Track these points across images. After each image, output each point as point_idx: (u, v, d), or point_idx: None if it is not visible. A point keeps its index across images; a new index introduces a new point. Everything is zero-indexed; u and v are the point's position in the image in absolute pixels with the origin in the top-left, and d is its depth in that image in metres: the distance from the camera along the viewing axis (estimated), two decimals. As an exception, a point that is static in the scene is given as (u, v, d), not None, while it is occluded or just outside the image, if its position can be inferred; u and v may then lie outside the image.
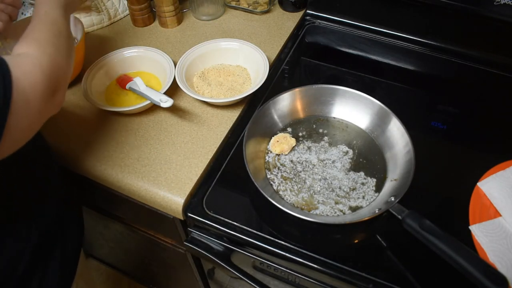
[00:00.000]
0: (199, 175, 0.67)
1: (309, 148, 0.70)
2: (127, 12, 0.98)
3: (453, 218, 0.62)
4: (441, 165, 0.69)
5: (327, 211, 0.61)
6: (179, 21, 0.96)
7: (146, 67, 0.83)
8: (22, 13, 0.92)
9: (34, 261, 0.57)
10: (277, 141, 0.69)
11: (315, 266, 0.57)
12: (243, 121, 0.75)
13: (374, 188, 0.64)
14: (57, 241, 0.62)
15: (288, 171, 0.67)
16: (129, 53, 0.83)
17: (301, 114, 0.75)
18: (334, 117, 0.74)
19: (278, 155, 0.69)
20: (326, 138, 0.71)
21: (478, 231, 0.58)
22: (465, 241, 0.57)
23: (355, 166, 0.67)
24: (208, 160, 0.69)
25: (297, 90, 0.73)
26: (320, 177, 0.66)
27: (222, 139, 0.72)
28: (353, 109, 0.73)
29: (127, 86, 0.77)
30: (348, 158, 0.68)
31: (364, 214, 0.60)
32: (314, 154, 0.69)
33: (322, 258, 0.57)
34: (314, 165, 0.67)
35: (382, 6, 0.91)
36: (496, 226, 0.59)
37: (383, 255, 0.58)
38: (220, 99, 0.74)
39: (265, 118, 0.71)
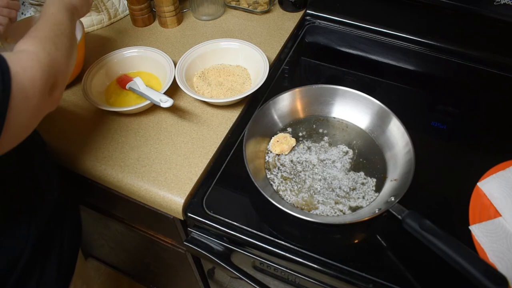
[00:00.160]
0: (199, 175, 0.67)
1: (309, 148, 0.70)
2: (127, 12, 0.98)
3: (453, 218, 0.62)
4: (441, 165, 0.69)
5: (327, 211, 0.61)
6: (179, 21, 0.96)
7: (146, 67, 0.83)
8: (22, 13, 0.92)
9: (32, 260, 0.57)
10: (277, 141, 0.69)
11: (315, 266, 0.57)
12: (243, 121, 0.75)
13: (374, 188, 0.64)
14: (54, 240, 0.62)
15: (288, 171, 0.67)
16: (129, 53, 0.83)
17: (301, 114, 0.75)
18: (334, 117, 0.74)
19: (278, 155, 0.69)
20: (326, 138, 0.71)
21: (478, 231, 0.58)
22: (465, 241, 0.57)
23: (355, 166, 0.67)
24: (208, 160, 0.69)
25: (297, 90, 0.73)
26: (320, 177, 0.66)
27: (222, 139, 0.72)
28: (353, 109, 0.73)
29: (127, 86, 0.78)
30: (348, 158, 0.68)
31: (364, 214, 0.60)
32: (314, 154, 0.69)
33: (322, 258, 0.57)
34: (314, 165, 0.67)
35: (382, 6, 0.91)
36: (496, 226, 0.59)
37: (383, 255, 0.58)
38: (220, 99, 0.74)
39: (265, 118, 0.71)
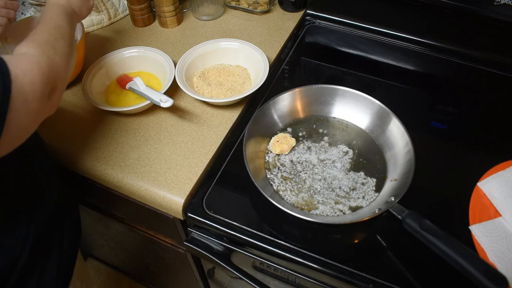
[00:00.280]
0: (199, 175, 0.67)
1: (309, 148, 0.70)
2: (127, 12, 0.98)
3: (453, 218, 0.62)
4: (441, 165, 0.69)
5: (327, 211, 0.61)
6: (179, 21, 0.96)
7: (146, 67, 0.83)
8: (22, 13, 0.92)
9: (32, 260, 0.57)
10: (277, 141, 0.69)
11: (315, 266, 0.57)
12: (243, 121, 0.75)
13: (374, 188, 0.64)
14: (54, 240, 0.62)
15: (288, 171, 0.67)
16: (129, 53, 0.83)
17: (301, 114, 0.75)
18: (334, 117, 0.74)
19: (278, 155, 0.69)
20: (326, 138, 0.71)
21: (478, 231, 0.58)
22: (465, 241, 0.57)
23: (355, 166, 0.67)
24: (208, 160, 0.69)
25: (297, 90, 0.73)
26: (320, 177, 0.66)
27: (222, 139, 0.72)
28: (353, 109, 0.73)
29: (127, 86, 0.78)
30: (348, 158, 0.68)
31: (364, 214, 0.60)
32: (314, 154, 0.69)
33: (322, 258, 0.57)
34: (314, 165, 0.67)
35: (382, 6, 0.91)
36: (496, 226, 0.59)
37: (383, 255, 0.58)
38: (220, 99, 0.74)
39: (265, 118, 0.71)
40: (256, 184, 0.60)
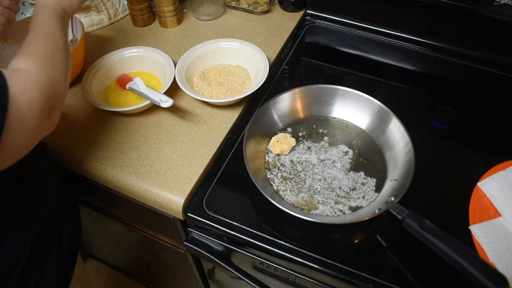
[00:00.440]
0: (199, 175, 0.67)
1: (309, 148, 0.70)
2: (127, 12, 0.98)
3: (453, 218, 0.62)
4: (441, 165, 0.69)
5: (327, 211, 0.61)
6: (179, 21, 0.96)
7: (146, 67, 0.83)
8: (22, 13, 0.92)
9: (32, 260, 0.57)
10: (277, 141, 0.69)
11: (315, 266, 0.57)
12: (243, 121, 0.75)
13: (374, 188, 0.64)
14: (54, 240, 0.62)
15: (288, 171, 0.67)
16: (129, 53, 0.83)
17: (301, 114, 0.75)
18: (334, 117, 0.74)
19: (278, 155, 0.69)
20: (326, 138, 0.71)
21: (478, 231, 0.58)
22: (465, 241, 0.57)
23: (355, 166, 0.67)
24: (208, 160, 0.69)
25: (297, 90, 0.73)
26: (320, 177, 0.66)
27: (222, 139, 0.72)
28: (353, 109, 0.73)
29: (127, 86, 0.78)
30: (348, 158, 0.68)
31: (364, 214, 0.60)
32: (314, 154, 0.69)
33: (322, 258, 0.57)
34: (314, 165, 0.67)
35: (382, 6, 0.91)
36: (496, 226, 0.59)
37: (383, 255, 0.58)
38: (220, 99, 0.74)
39: (265, 118, 0.71)
40: (256, 184, 0.60)
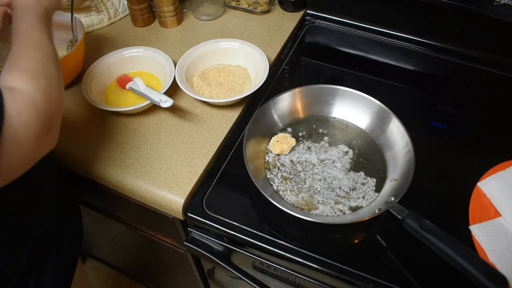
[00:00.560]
0: (199, 175, 0.67)
1: (309, 148, 0.70)
2: (127, 12, 0.98)
3: (453, 218, 0.62)
4: (441, 165, 0.69)
5: (327, 211, 0.61)
6: (179, 21, 0.96)
7: (146, 67, 0.83)
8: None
9: (29, 268, 0.57)
10: (277, 141, 0.69)
11: (315, 266, 0.57)
12: (243, 121, 0.75)
13: (374, 188, 0.64)
14: (52, 248, 0.62)
15: (288, 171, 0.67)
16: (129, 53, 0.83)
17: (301, 114, 0.75)
18: (334, 117, 0.74)
19: (278, 155, 0.69)
20: (326, 138, 0.71)
21: (478, 231, 0.58)
22: (465, 241, 0.57)
23: (355, 166, 0.67)
24: (208, 160, 0.69)
25: (297, 90, 0.73)
26: (320, 177, 0.66)
27: (222, 139, 0.72)
28: (353, 109, 0.73)
29: (127, 86, 0.78)
30: (348, 158, 0.68)
31: (364, 214, 0.60)
32: (314, 154, 0.69)
33: (322, 258, 0.57)
34: (314, 165, 0.67)
35: (382, 6, 0.91)
36: (496, 226, 0.59)
37: (383, 255, 0.58)
38: (220, 99, 0.74)
39: (265, 118, 0.71)
40: (256, 184, 0.60)
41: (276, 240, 0.60)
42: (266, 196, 0.59)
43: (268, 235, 0.60)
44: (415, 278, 0.56)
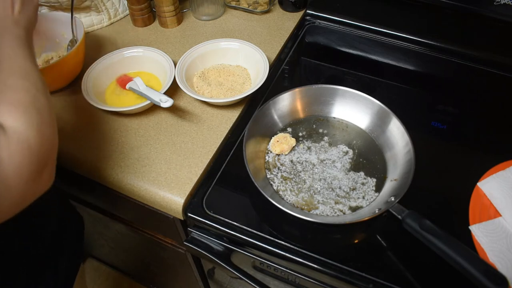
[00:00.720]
0: (199, 175, 0.67)
1: (309, 148, 0.70)
2: (127, 12, 0.98)
3: (453, 218, 0.62)
4: (441, 165, 0.69)
5: (327, 211, 0.61)
6: (179, 21, 0.96)
7: (146, 67, 0.83)
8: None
9: (31, 275, 0.56)
10: (277, 141, 0.69)
11: (315, 266, 0.57)
12: (243, 121, 0.75)
13: (374, 188, 0.64)
14: (50, 264, 0.61)
15: (288, 171, 0.67)
16: (129, 53, 0.83)
17: (301, 114, 0.75)
18: (334, 117, 0.74)
19: (278, 155, 0.69)
20: (326, 138, 0.71)
21: (478, 231, 0.58)
22: (465, 241, 0.57)
23: (355, 166, 0.67)
24: (208, 160, 0.69)
25: (297, 90, 0.73)
26: (320, 177, 0.66)
27: (222, 139, 0.72)
28: (353, 109, 0.73)
29: (127, 86, 0.78)
30: (348, 158, 0.68)
31: (364, 214, 0.60)
32: (314, 154, 0.69)
33: (322, 258, 0.57)
34: (314, 165, 0.67)
35: (382, 6, 0.91)
36: (496, 226, 0.59)
37: (383, 255, 0.58)
38: (220, 99, 0.74)
39: (265, 118, 0.71)
40: (256, 184, 0.60)
41: (276, 240, 0.60)
42: (266, 196, 0.59)
43: (268, 235, 0.60)
44: (415, 278, 0.56)
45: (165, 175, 0.67)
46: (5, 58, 0.46)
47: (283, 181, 0.66)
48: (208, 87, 0.78)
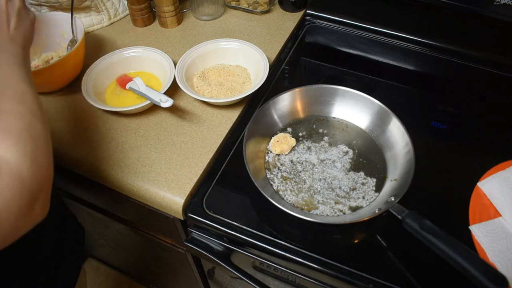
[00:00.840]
0: (199, 175, 0.67)
1: (309, 148, 0.70)
2: (127, 12, 0.98)
3: (453, 218, 0.62)
4: (441, 165, 0.69)
5: (327, 211, 0.61)
6: (179, 21, 0.96)
7: (146, 67, 0.83)
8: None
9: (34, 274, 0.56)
10: (277, 141, 0.69)
11: (315, 266, 0.57)
12: (243, 121, 0.75)
13: (374, 188, 0.64)
14: (48, 274, 0.60)
15: (288, 171, 0.67)
16: (129, 53, 0.83)
17: (301, 114, 0.75)
18: (334, 117, 0.74)
19: (278, 155, 0.69)
20: (326, 138, 0.71)
21: (478, 231, 0.58)
22: (465, 241, 0.57)
23: (355, 166, 0.67)
24: (208, 160, 0.69)
25: (297, 90, 0.73)
26: (320, 177, 0.66)
27: (222, 139, 0.72)
28: (353, 109, 0.73)
29: (127, 86, 0.78)
30: (348, 158, 0.68)
31: (364, 214, 0.60)
32: (314, 154, 0.69)
33: (322, 258, 0.57)
34: (314, 165, 0.67)
35: (382, 6, 0.91)
36: (496, 226, 0.59)
37: (383, 255, 0.58)
38: (220, 99, 0.74)
39: (265, 118, 0.71)
40: (256, 184, 0.60)
41: (276, 240, 0.60)
42: (266, 196, 0.59)
43: (268, 235, 0.60)
44: (415, 278, 0.56)
45: (165, 175, 0.67)
46: (1, 78, 0.44)
47: (283, 181, 0.66)
48: (208, 87, 0.78)
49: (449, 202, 0.64)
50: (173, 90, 0.78)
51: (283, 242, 0.59)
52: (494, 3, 0.78)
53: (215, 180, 0.67)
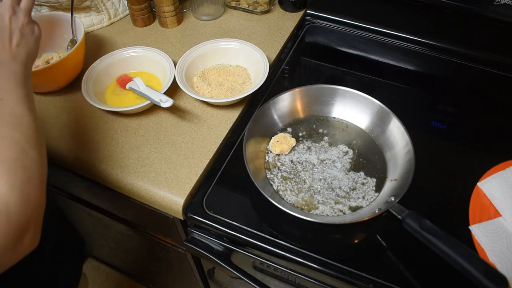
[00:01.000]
0: (199, 175, 0.67)
1: (309, 148, 0.70)
2: (127, 12, 0.98)
3: (453, 218, 0.62)
4: (441, 165, 0.69)
5: (327, 211, 0.61)
6: (179, 21, 0.96)
7: (146, 67, 0.83)
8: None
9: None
10: (277, 141, 0.69)
11: (315, 266, 0.57)
12: (243, 121, 0.75)
13: (374, 188, 0.64)
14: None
15: (288, 171, 0.67)
16: (129, 53, 0.83)
17: (301, 114, 0.75)
18: (334, 117, 0.74)
19: (278, 155, 0.69)
20: (326, 138, 0.71)
21: (478, 231, 0.58)
22: (465, 241, 0.57)
23: (355, 166, 0.67)
24: (208, 160, 0.69)
25: (297, 90, 0.73)
26: (320, 177, 0.66)
27: (222, 139, 0.72)
28: (353, 109, 0.73)
29: (127, 86, 0.78)
30: (348, 158, 0.68)
31: (364, 214, 0.60)
32: (314, 154, 0.69)
33: (322, 258, 0.57)
34: (314, 165, 0.67)
35: (382, 6, 0.91)
36: (496, 226, 0.59)
37: (383, 255, 0.58)
38: (220, 99, 0.74)
39: (265, 118, 0.71)
40: (256, 184, 0.60)
41: (276, 240, 0.60)
42: (266, 196, 0.59)
43: (268, 235, 0.60)
44: (415, 278, 0.56)
45: (165, 175, 0.67)
46: None
47: (283, 181, 0.66)
48: (208, 87, 0.78)
49: (449, 202, 0.64)
50: (173, 90, 0.78)
51: (283, 242, 0.59)
52: (494, 3, 0.78)
53: (215, 180, 0.67)
